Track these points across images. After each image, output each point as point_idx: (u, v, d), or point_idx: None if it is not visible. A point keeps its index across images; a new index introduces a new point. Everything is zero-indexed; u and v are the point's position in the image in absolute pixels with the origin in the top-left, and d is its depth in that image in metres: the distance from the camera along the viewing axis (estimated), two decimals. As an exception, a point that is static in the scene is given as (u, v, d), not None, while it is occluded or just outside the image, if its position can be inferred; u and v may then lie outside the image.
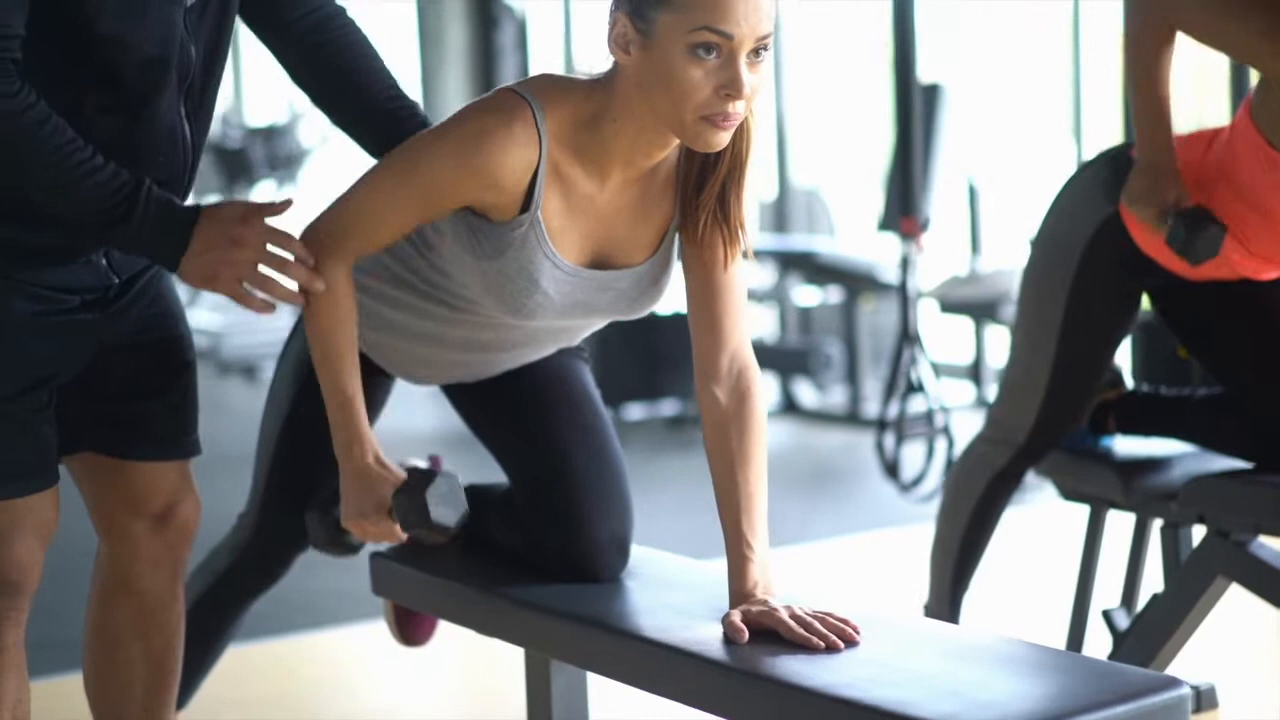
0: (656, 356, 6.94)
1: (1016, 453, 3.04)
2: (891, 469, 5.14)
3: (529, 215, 2.14)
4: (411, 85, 9.39)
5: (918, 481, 5.15)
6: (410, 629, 2.79)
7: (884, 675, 1.91)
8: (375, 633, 3.68)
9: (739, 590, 2.13)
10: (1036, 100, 8.01)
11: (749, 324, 2.25)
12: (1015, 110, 8.19)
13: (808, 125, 8.90)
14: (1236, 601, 2.87)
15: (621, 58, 2.05)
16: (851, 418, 7.05)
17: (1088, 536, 3.17)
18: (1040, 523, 4.92)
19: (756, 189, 2.23)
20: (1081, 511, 3.18)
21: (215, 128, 9.95)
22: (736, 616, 2.08)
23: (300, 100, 5.66)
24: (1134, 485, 2.97)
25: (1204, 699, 3.20)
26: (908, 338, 5.09)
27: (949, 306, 6.16)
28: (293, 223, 2.22)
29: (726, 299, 2.21)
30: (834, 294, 7.46)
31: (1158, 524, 3.03)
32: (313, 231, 2.23)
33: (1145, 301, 2.96)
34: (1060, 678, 1.90)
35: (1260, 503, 2.75)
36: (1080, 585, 3.18)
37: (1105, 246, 2.83)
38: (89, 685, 2.54)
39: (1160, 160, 2.68)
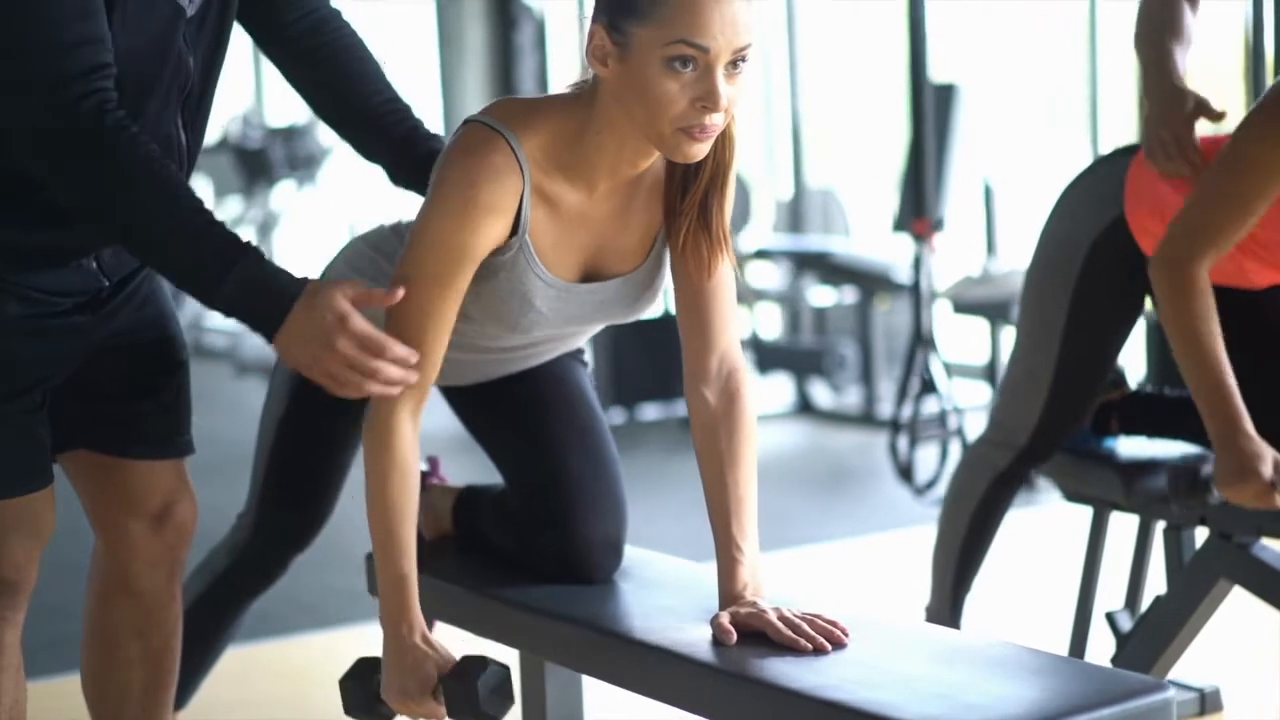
0: (672, 357, 6.91)
1: (1018, 454, 3.04)
2: (905, 472, 5.13)
3: (517, 239, 2.14)
4: (430, 85, 9.42)
5: (932, 484, 5.14)
6: (408, 629, 2.79)
7: (870, 677, 1.90)
8: (377, 633, 3.68)
9: (728, 592, 2.13)
10: (1053, 100, 7.99)
11: (737, 326, 2.24)
12: (1031, 110, 8.17)
13: (826, 126, 8.89)
14: (1242, 604, 2.86)
15: (600, 70, 2.05)
16: (866, 418, 7.04)
17: (1090, 538, 3.16)
18: (1046, 524, 4.91)
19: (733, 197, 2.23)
20: (1085, 513, 3.17)
21: (235, 128, 10.03)
22: (725, 618, 2.08)
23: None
24: (1135, 487, 2.96)
25: (1208, 701, 3.19)
26: (920, 339, 5.08)
27: (962, 307, 6.15)
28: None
29: (714, 302, 2.21)
30: (849, 294, 7.45)
31: (1161, 526, 3.02)
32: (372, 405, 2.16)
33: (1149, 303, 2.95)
34: (1048, 681, 1.89)
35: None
36: (1083, 587, 3.17)
37: (1109, 249, 2.83)
38: (86, 685, 2.55)
39: (1239, 432, 2.54)
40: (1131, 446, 3.07)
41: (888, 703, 1.82)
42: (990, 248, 6.60)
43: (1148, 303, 2.95)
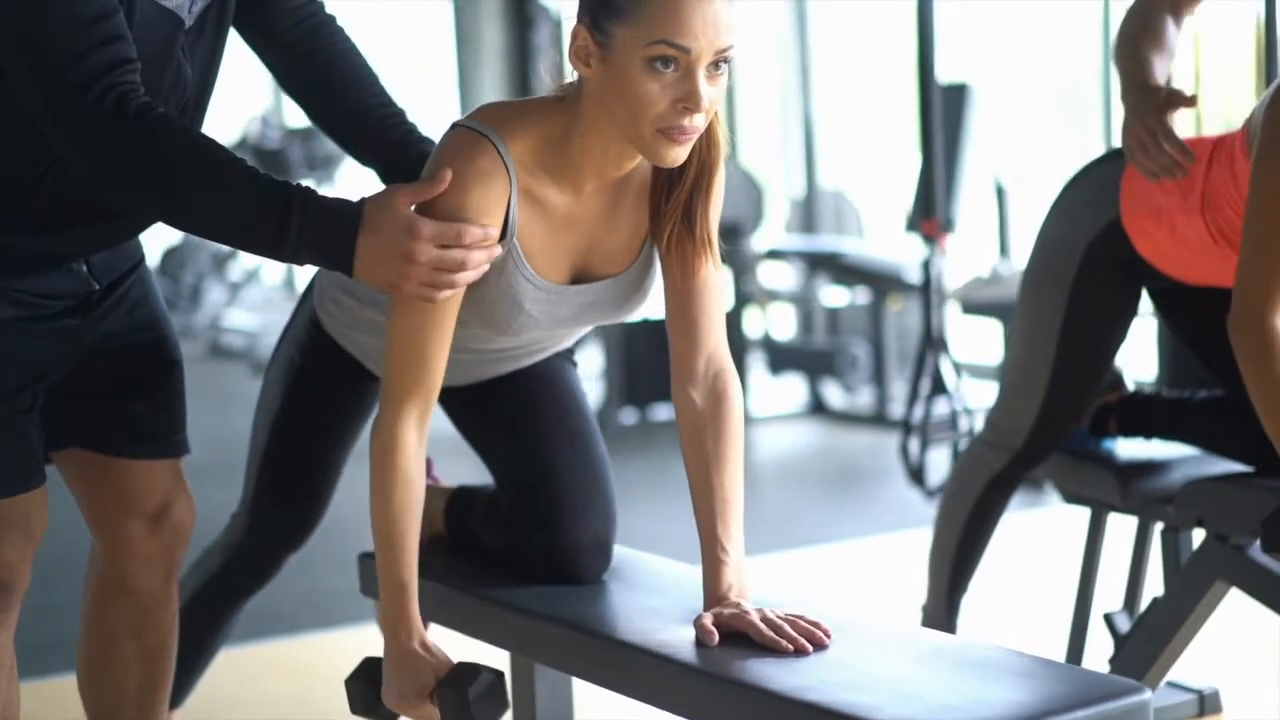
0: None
1: (1014, 456, 3.04)
2: (916, 474, 5.12)
3: (505, 243, 2.14)
4: (448, 86, 9.45)
5: (944, 486, 5.13)
6: (402, 629, 2.80)
7: (849, 679, 1.91)
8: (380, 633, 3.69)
9: (713, 593, 2.14)
10: (1066, 100, 7.97)
11: (724, 329, 2.25)
12: (1044, 110, 8.16)
13: (841, 126, 8.89)
14: (1241, 605, 2.86)
15: (583, 71, 2.06)
16: (878, 419, 7.04)
17: (1088, 540, 3.16)
18: (1046, 525, 4.90)
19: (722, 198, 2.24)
20: (1085, 514, 3.17)
21: (254, 128, 10.07)
22: (708, 619, 2.09)
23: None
24: (1132, 488, 2.96)
25: (1208, 703, 3.19)
26: (930, 341, 5.07)
27: (971, 308, 6.14)
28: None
29: (702, 303, 2.21)
30: (862, 295, 7.45)
31: (1159, 527, 3.02)
32: (376, 418, 2.18)
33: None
34: (1026, 682, 1.90)
35: (1259, 507, 2.72)
36: (1081, 588, 3.17)
37: (1105, 250, 2.82)
38: (83, 684, 2.57)
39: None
40: (1129, 448, 3.07)
41: (863, 704, 1.82)
42: (1003, 248, 6.59)
43: (1146, 305, 2.96)
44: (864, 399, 7.37)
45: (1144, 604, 3.13)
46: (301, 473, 2.55)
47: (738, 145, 8.87)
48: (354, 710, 2.29)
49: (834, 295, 7.76)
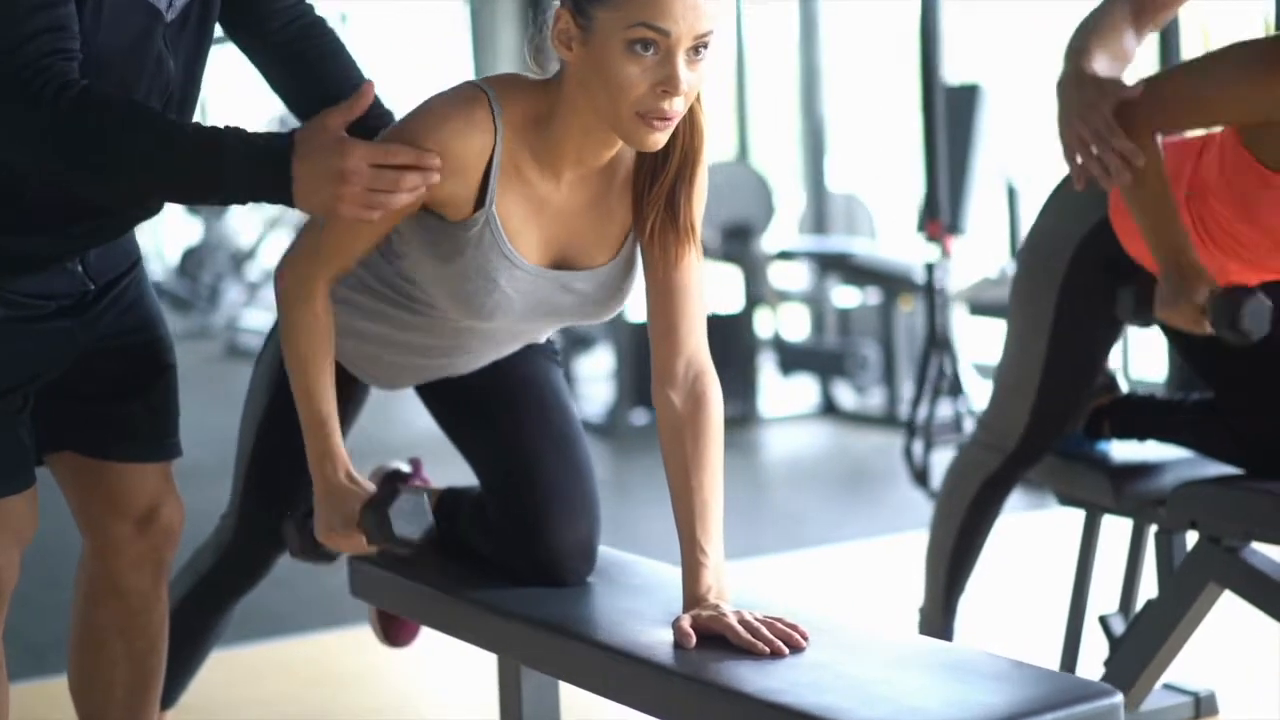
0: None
1: (1007, 458, 3.03)
2: (920, 475, 5.12)
3: (484, 212, 2.15)
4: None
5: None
6: (393, 630, 2.82)
7: (821, 681, 1.91)
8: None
9: (692, 595, 2.14)
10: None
11: (704, 330, 2.25)
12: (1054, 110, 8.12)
13: (854, 127, 8.88)
14: (1237, 607, 2.86)
15: (564, 54, 2.07)
16: (889, 420, 7.03)
17: (1083, 542, 3.16)
18: (1044, 527, 4.90)
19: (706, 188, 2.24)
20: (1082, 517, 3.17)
21: (273, 129, 10.09)
22: (685, 621, 2.09)
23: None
24: (1125, 490, 2.96)
25: (1203, 705, 3.19)
26: (935, 342, 5.07)
27: (979, 309, 6.14)
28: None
29: (682, 302, 2.22)
30: (872, 295, 7.44)
31: (1154, 530, 3.01)
32: (291, 259, 2.25)
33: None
34: (998, 685, 1.90)
35: (1250, 509, 2.73)
36: (1076, 590, 3.17)
37: (1094, 250, 2.82)
38: (73, 685, 2.58)
39: (1181, 259, 2.58)
40: (1123, 450, 3.07)
41: (833, 706, 1.83)
42: (1013, 249, 6.58)
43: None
44: (875, 400, 7.37)
45: (1139, 606, 3.13)
46: (288, 474, 2.55)
47: (749, 146, 8.87)
48: (293, 554, 2.37)
49: (845, 296, 7.75)
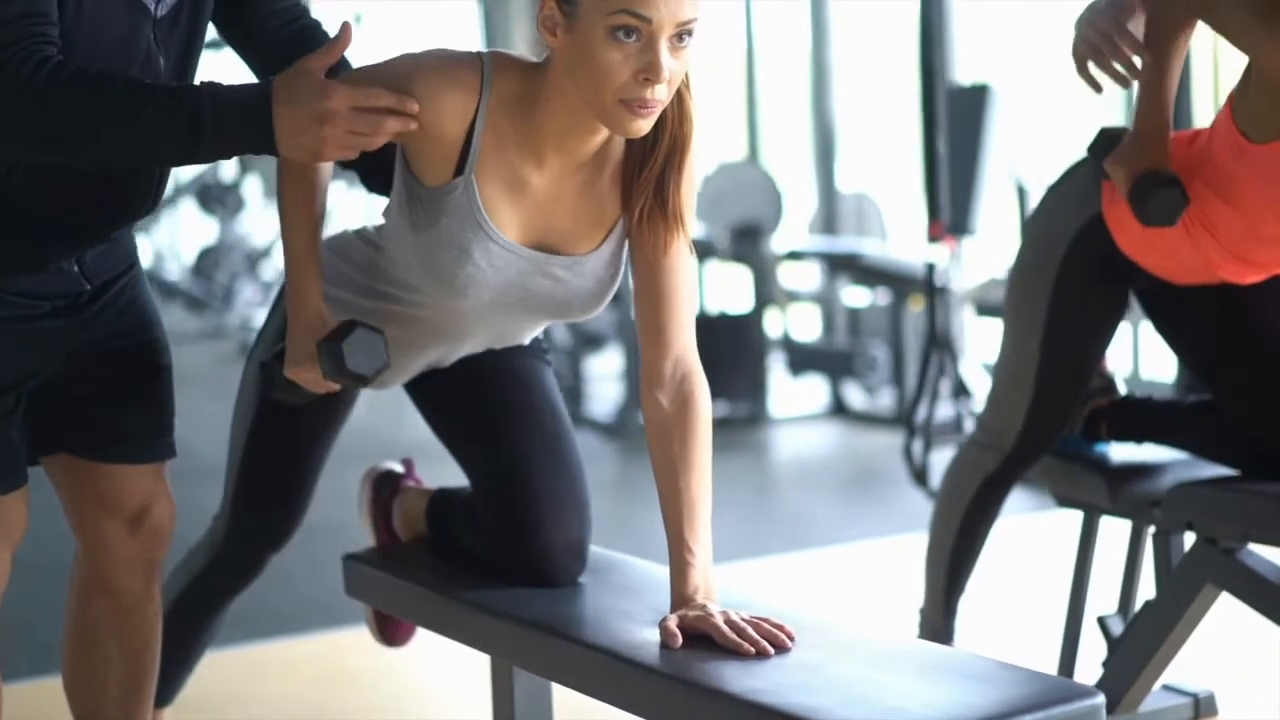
0: (709, 358, 6.92)
1: (1005, 457, 3.03)
2: (920, 475, 5.12)
3: (463, 179, 2.16)
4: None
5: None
6: (390, 630, 2.83)
7: (805, 681, 1.92)
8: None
9: (679, 595, 2.15)
10: (1088, 101, 7.92)
11: (693, 331, 2.25)
12: (1067, 111, 8.12)
13: (865, 127, 8.87)
14: (1237, 608, 2.85)
15: (549, 40, 2.08)
16: (899, 420, 7.01)
17: (1080, 543, 3.16)
18: (1043, 529, 4.89)
19: (698, 177, 2.24)
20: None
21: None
22: (672, 621, 2.10)
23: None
24: (1121, 492, 2.95)
25: (1203, 706, 3.18)
26: (935, 341, 5.08)
27: (986, 309, 6.14)
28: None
29: (671, 300, 2.22)
30: (882, 296, 7.44)
31: (1152, 531, 3.01)
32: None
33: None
34: (979, 685, 1.90)
35: (1246, 510, 2.73)
36: (1074, 592, 3.17)
37: (1087, 246, 2.81)
38: (67, 683, 2.60)
39: (1151, 127, 2.64)
40: (1122, 452, 3.06)
41: (814, 706, 1.83)
42: (1022, 250, 6.57)
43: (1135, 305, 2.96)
44: (885, 400, 7.36)
45: (1138, 607, 3.12)
46: (277, 475, 2.57)
47: (759, 146, 8.87)
48: (269, 393, 2.41)
49: (855, 296, 7.75)
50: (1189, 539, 2.88)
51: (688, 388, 2.22)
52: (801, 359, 7.55)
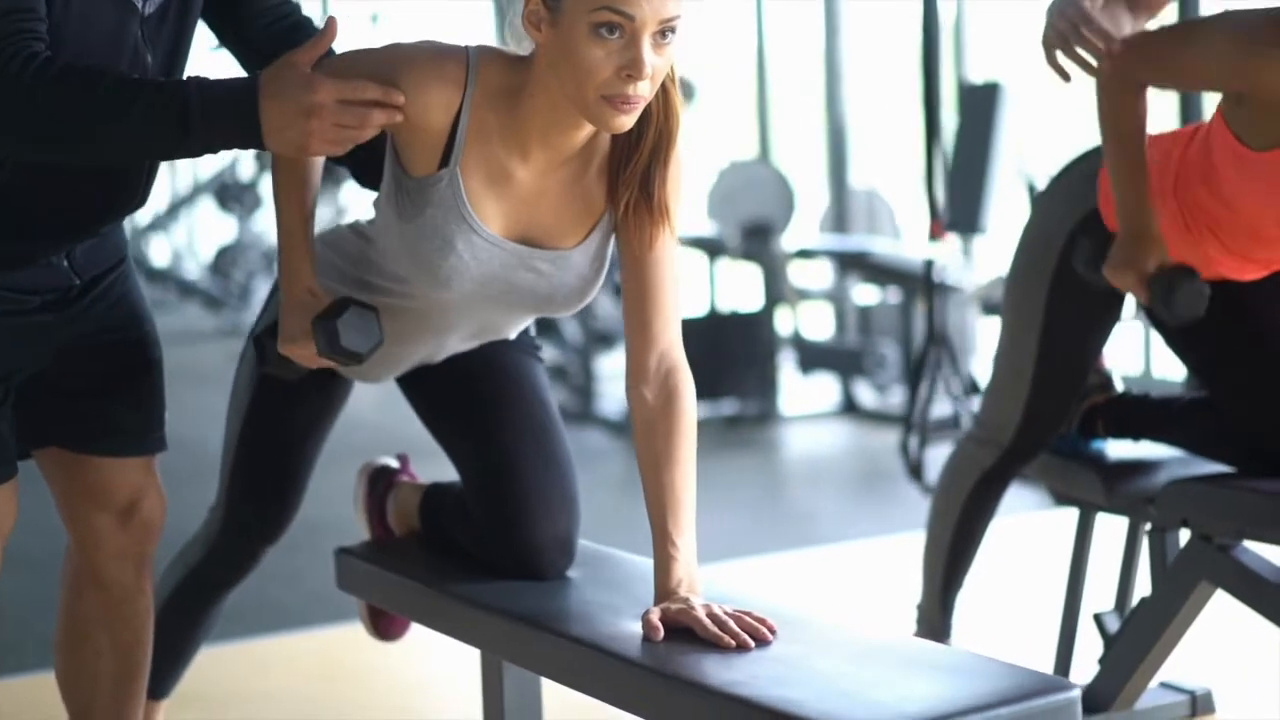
0: (720, 356, 6.98)
1: (1003, 453, 3.04)
2: (915, 470, 5.13)
3: (448, 171, 2.17)
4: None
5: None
6: (383, 624, 2.84)
7: (784, 675, 1.92)
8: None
9: (663, 588, 2.15)
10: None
11: (679, 326, 2.25)
12: (1078, 110, 8.11)
13: (876, 126, 8.87)
14: (1234, 605, 2.85)
15: (534, 35, 2.09)
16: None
17: (1077, 540, 3.16)
18: (1040, 526, 4.88)
19: (685, 171, 2.24)
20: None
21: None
22: (654, 614, 2.10)
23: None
24: (1117, 489, 2.95)
25: (1200, 704, 3.17)
26: (933, 338, 5.08)
27: (992, 308, 6.14)
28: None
29: (656, 295, 2.22)
30: (893, 294, 7.44)
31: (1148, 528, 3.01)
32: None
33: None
34: (957, 678, 1.90)
35: (1241, 507, 2.72)
36: (1070, 588, 3.17)
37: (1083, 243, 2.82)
38: (60, 676, 2.61)
39: (1139, 225, 2.62)
40: (1118, 449, 3.06)
41: (791, 699, 1.83)
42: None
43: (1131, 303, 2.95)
44: (895, 398, 7.36)
45: (1134, 604, 3.12)
46: (272, 469, 2.58)
47: (770, 144, 8.87)
48: (262, 367, 2.43)
49: (865, 294, 7.75)
50: (1184, 536, 2.88)
51: (673, 382, 2.22)
52: (812, 357, 7.55)
